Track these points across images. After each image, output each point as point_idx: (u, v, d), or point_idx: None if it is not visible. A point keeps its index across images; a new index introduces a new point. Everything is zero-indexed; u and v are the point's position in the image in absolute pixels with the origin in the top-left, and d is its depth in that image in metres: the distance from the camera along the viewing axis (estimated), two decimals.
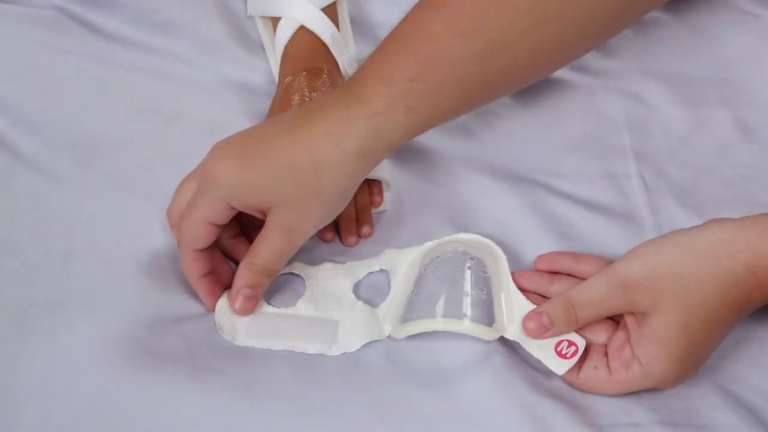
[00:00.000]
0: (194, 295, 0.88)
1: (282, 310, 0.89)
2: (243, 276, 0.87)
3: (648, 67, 1.05)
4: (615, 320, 0.85)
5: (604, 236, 0.94)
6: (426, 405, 0.82)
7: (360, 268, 0.92)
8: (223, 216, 0.86)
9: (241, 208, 0.85)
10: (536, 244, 0.93)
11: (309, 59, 1.00)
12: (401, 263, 0.91)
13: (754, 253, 0.79)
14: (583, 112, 1.03)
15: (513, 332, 0.85)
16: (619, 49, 1.06)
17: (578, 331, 0.84)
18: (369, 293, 0.91)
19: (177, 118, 1.00)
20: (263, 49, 1.07)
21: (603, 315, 0.83)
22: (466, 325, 0.84)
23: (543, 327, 0.83)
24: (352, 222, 0.94)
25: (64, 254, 0.90)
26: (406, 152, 1.00)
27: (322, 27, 1.02)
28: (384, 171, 0.96)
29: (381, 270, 0.91)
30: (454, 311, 0.85)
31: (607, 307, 0.82)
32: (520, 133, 1.02)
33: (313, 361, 0.85)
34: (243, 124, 0.98)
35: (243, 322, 0.87)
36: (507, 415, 0.81)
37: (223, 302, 0.88)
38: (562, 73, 1.05)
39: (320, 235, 0.94)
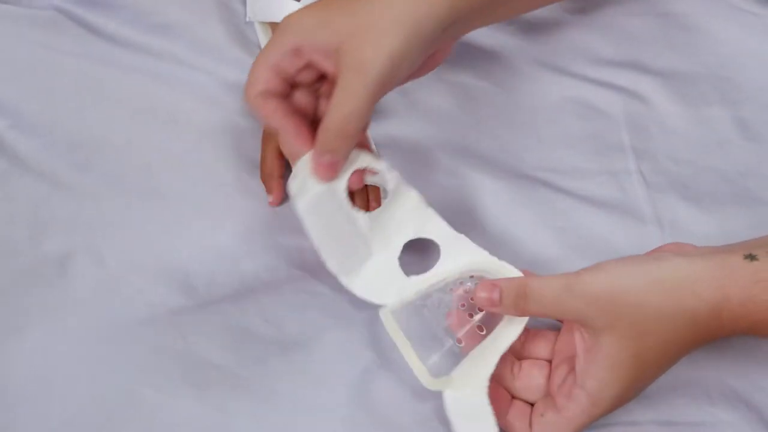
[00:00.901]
0: (191, 294, 0.89)
1: (347, 204, 0.85)
2: (318, 140, 0.82)
3: (645, 64, 1.05)
4: (549, 361, 0.84)
5: (604, 231, 0.95)
6: (425, 410, 0.83)
7: (433, 225, 0.87)
8: (289, 62, 0.83)
9: (309, 47, 0.82)
10: (536, 242, 0.94)
11: None
12: (459, 254, 0.86)
13: (722, 295, 0.77)
14: (581, 109, 1.03)
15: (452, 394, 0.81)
16: (616, 46, 1.07)
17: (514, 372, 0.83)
18: (413, 258, 0.88)
19: (175, 120, 1.00)
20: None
21: (550, 315, 0.81)
22: (418, 367, 0.81)
23: (491, 301, 0.80)
24: None
25: (62, 256, 0.90)
26: (401, 152, 1.01)
27: None
28: (385, 179, 0.96)
29: (437, 245, 0.86)
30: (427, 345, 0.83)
31: (559, 310, 0.79)
32: (519, 130, 1.03)
33: (310, 359, 0.85)
34: (241, 125, 1.00)
35: (312, 192, 0.84)
36: None
37: (306, 158, 0.84)
38: (560, 68, 1.06)
39: None
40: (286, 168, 0.96)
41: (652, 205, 0.97)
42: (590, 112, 1.03)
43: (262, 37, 1.07)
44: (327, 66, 0.83)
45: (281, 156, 0.97)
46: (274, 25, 1.04)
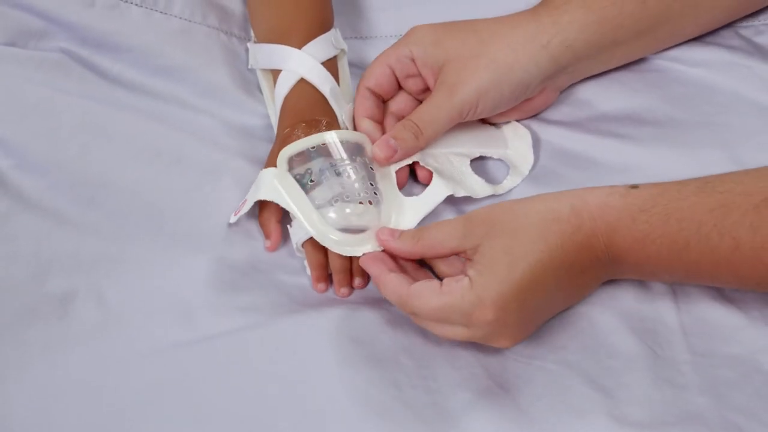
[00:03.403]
0: (193, 328, 0.90)
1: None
2: (395, 127, 0.98)
3: (641, 116, 1.05)
4: None
5: None
6: None
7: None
8: (401, 65, 0.99)
9: (420, 57, 0.98)
10: None
11: (308, 111, 1.02)
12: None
13: (579, 199, 0.85)
14: (581, 162, 1.03)
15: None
16: (613, 100, 1.07)
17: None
18: None
19: (178, 161, 1.01)
20: None
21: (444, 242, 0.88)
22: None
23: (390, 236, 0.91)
24: (345, 273, 0.95)
25: (63, 295, 0.92)
26: None
27: (321, 80, 1.03)
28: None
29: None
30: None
31: (448, 232, 0.87)
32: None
33: (310, 395, 0.86)
34: (242, 167, 1.01)
35: None
36: None
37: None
38: (556, 121, 1.07)
39: (313, 285, 0.95)
40: (284, 212, 0.97)
41: None
42: (589, 163, 1.03)
43: (264, 84, 1.08)
44: (431, 82, 0.99)
45: None
46: (275, 73, 1.05)
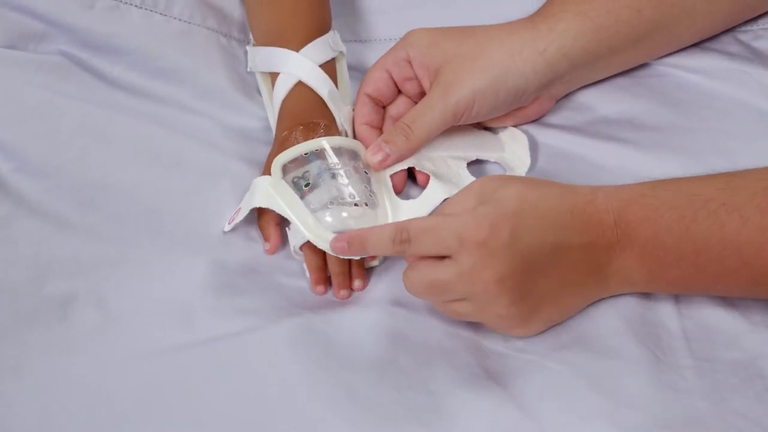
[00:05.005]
0: (193, 331, 0.90)
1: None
2: (388, 130, 0.98)
3: (642, 121, 1.06)
4: None
5: None
6: None
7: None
8: (398, 68, 1.00)
9: (416, 59, 0.99)
10: None
11: (306, 114, 1.02)
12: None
13: (596, 186, 0.88)
14: (581, 165, 1.03)
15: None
16: (614, 104, 1.08)
17: None
18: None
19: (177, 164, 1.01)
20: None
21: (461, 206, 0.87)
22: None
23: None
24: (344, 276, 0.95)
25: (63, 299, 0.92)
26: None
27: (319, 83, 1.03)
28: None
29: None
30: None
31: (463, 196, 0.87)
32: None
33: (309, 397, 0.86)
34: (241, 169, 1.01)
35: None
36: None
37: None
38: (559, 126, 1.07)
39: (312, 288, 0.95)
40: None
41: None
42: (592, 169, 1.04)
43: (263, 86, 1.08)
44: (426, 84, 0.99)
45: None
46: (274, 76, 1.06)
